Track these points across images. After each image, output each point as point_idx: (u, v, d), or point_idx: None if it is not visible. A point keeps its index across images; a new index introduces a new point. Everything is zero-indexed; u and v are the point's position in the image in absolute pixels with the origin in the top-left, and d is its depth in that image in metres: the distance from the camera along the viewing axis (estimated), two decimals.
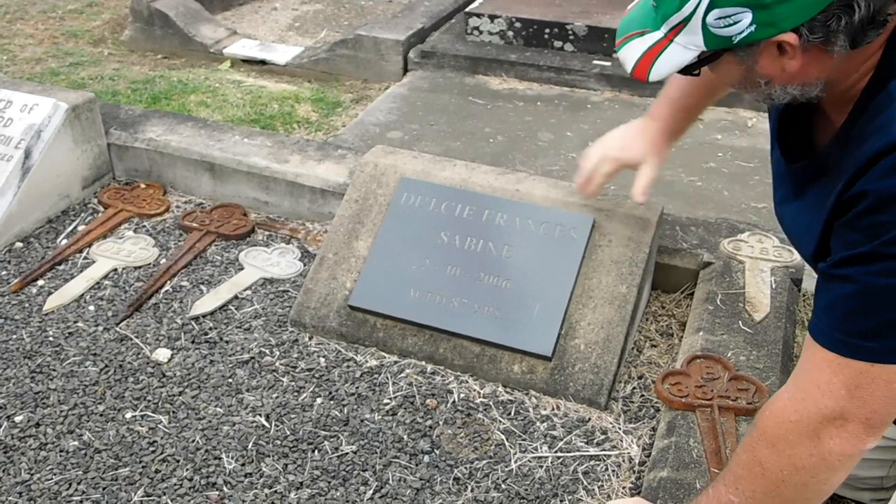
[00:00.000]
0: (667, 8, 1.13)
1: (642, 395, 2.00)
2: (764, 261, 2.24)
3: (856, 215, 1.11)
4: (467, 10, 4.27)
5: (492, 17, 4.15)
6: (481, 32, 4.19)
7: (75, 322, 2.20)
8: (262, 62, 4.36)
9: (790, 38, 1.07)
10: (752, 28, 1.07)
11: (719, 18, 1.08)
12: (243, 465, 1.79)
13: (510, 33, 4.15)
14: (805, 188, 1.28)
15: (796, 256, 2.26)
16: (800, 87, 1.17)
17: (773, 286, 2.16)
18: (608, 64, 3.95)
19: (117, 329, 2.18)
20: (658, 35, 1.17)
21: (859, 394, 1.15)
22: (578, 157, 3.32)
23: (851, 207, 1.12)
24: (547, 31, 4.08)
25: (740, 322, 2.06)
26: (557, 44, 4.08)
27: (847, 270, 1.13)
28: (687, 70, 1.18)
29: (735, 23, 1.07)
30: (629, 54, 1.21)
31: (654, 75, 1.19)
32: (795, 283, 2.22)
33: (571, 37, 4.04)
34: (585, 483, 1.76)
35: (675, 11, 1.11)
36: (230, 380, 2.02)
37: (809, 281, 2.47)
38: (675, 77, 1.85)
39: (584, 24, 4.02)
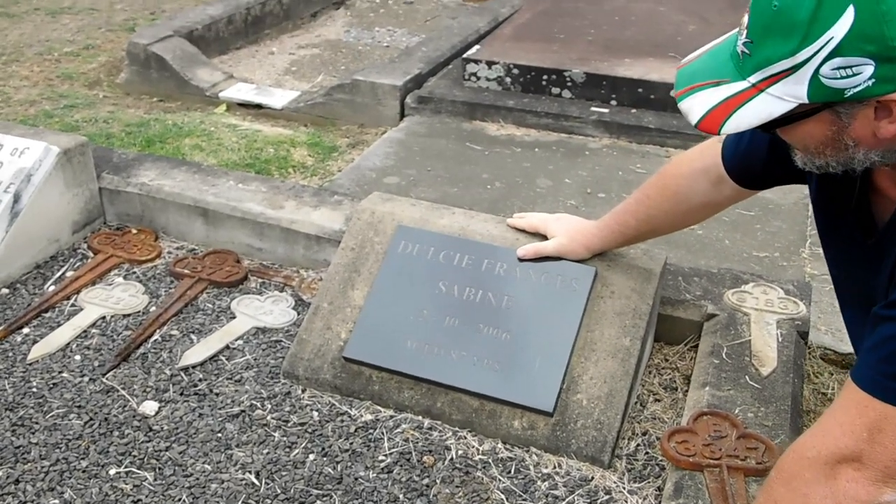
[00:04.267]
0: (769, 54, 1.03)
1: (647, 453, 1.93)
2: (769, 313, 2.19)
3: None
4: (465, 56, 4.27)
5: (489, 64, 4.15)
6: (479, 78, 4.18)
7: (60, 372, 2.13)
8: (258, 106, 4.33)
9: None
10: (870, 83, 0.99)
11: (838, 69, 0.99)
12: None
13: (508, 79, 4.14)
14: (882, 262, 1.23)
15: (802, 308, 2.21)
16: (882, 152, 1.09)
17: (780, 339, 2.11)
18: (606, 111, 3.94)
19: (104, 380, 2.10)
20: (742, 85, 1.07)
21: (881, 438, 1.10)
22: (577, 204, 3.30)
23: None
24: (545, 77, 4.07)
25: (747, 377, 2.00)
26: (555, 90, 4.07)
27: (894, 311, 1.10)
28: (768, 126, 1.10)
29: (854, 75, 0.99)
30: (696, 104, 1.11)
31: (730, 127, 1.08)
32: (802, 335, 2.16)
33: (569, 83, 4.03)
34: None
35: (783, 58, 1.02)
36: (219, 434, 1.95)
37: (816, 334, 2.42)
38: (630, 200, 1.86)
39: (581, 70, 4.01)
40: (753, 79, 1.06)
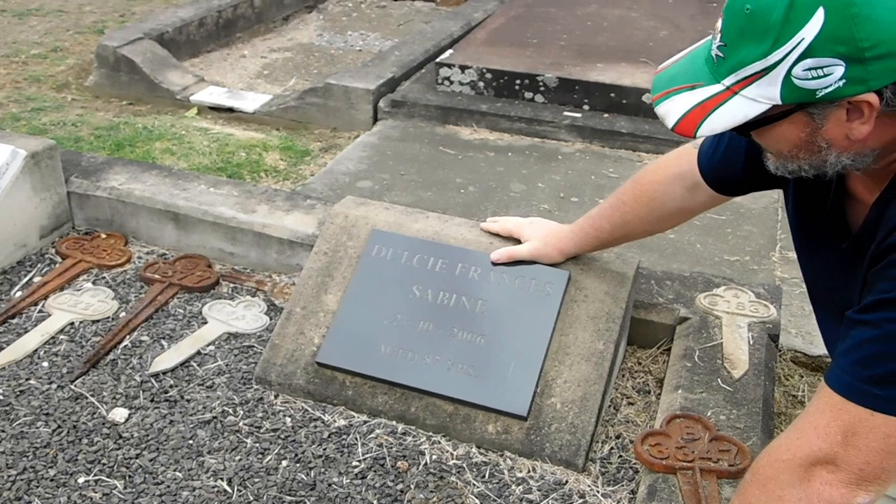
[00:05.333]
0: (743, 56, 1.04)
1: (620, 456, 1.93)
2: (741, 316, 2.21)
3: (888, 264, 1.09)
4: (438, 60, 4.27)
5: (462, 68, 4.15)
6: (452, 83, 4.18)
7: (27, 379, 2.09)
8: (230, 109, 4.30)
9: (872, 98, 1.01)
10: (841, 83, 1.00)
11: (810, 69, 1.00)
12: None
13: (481, 84, 4.14)
14: (855, 266, 1.23)
15: (773, 312, 2.23)
16: (853, 155, 1.11)
17: (751, 342, 2.13)
18: (579, 115, 3.96)
19: (72, 387, 2.07)
20: (717, 88, 1.08)
21: (854, 441, 1.11)
22: (551, 208, 3.30)
23: (885, 256, 1.09)
24: (518, 82, 4.08)
25: (719, 379, 2.01)
26: (528, 95, 4.08)
27: (869, 315, 1.10)
28: (743, 129, 1.11)
29: (825, 75, 1.00)
30: (672, 108, 1.12)
31: (706, 130, 1.09)
32: (773, 338, 2.18)
33: (542, 88, 4.05)
34: None
35: (755, 60, 1.03)
36: (191, 441, 1.92)
37: (786, 336, 2.45)
38: (604, 205, 1.87)
39: (554, 75, 4.02)
40: (728, 81, 1.07)
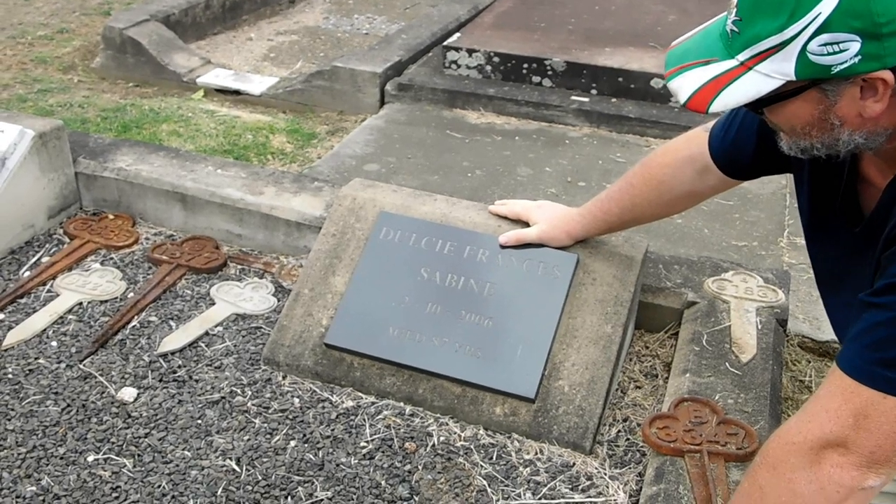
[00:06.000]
0: (758, 31, 1.03)
1: (628, 439, 1.94)
2: (749, 301, 2.20)
3: None
4: (445, 43, 4.25)
5: (470, 52, 4.14)
6: (459, 66, 4.17)
7: (36, 359, 2.10)
8: (237, 92, 4.29)
9: (887, 76, 1.01)
10: (857, 59, 0.99)
11: (826, 45, 0.99)
12: None
13: (488, 67, 4.13)
14: (868, 250, 1.23)
15: (781, 297, 2.22)
16: (866, 134, 1.10)
17: (759, 327, 2.12)
18: (586, 100, 3.94)
19: (81, 366, 2.08)
20: (731, 63, 1.07)
21: (866, 424, 1.11)
22: (558, 192, 3.30)
23: None
24: (525, 66, 4.07)
25: (727, 364, 2.01)
26: (536, 79, 4.07)
27: (882, 299, 1.10)
28: (756, 105, 1.10)
29: (841, 51, 0.99)
30: (685, 83, 1.11)
31: (719, 105, 1.08)
32: (781, 323, 2.18)
33: (550, 72, 4.03)
34: None
35: (771, 35, 1.02)
36: (199, 421, 1.93)
37: (794, 322, 2.45)
38: (613, 188, 1.86)
39: (562, 59, 4.01)
40: (742, 57, 1.06)
